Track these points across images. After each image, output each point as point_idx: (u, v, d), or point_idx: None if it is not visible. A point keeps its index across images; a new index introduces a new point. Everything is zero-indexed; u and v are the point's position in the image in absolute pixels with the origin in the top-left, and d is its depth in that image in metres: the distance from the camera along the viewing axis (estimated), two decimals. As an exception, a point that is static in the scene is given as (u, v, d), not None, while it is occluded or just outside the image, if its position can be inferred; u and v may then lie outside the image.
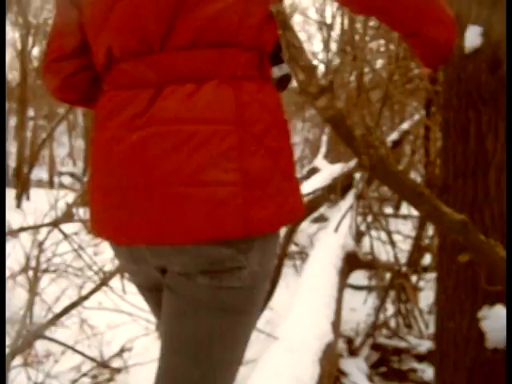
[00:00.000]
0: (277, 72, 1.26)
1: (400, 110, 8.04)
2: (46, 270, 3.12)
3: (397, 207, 7.74)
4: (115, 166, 1.14)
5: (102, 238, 1.26)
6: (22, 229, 3.12)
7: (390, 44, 5.74)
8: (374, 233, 5.36)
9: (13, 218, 4.34)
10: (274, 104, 1.17)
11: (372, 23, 6.13)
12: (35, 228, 2.99)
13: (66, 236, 2.94)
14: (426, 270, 4.74)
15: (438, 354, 1.93)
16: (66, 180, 16.44)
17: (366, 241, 5.43)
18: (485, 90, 1.74)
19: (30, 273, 3.07)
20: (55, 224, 2.86)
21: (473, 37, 1.83)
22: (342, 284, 4.08)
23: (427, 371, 3.59)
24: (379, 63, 6.71)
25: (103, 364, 2.64)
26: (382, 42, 6.44)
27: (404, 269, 4.38)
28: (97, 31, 1.19)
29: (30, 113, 15.37)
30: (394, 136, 6.60)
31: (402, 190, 0.93)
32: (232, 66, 1.11)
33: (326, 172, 6.38)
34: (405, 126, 6.99)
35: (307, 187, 5.81)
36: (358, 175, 6.00)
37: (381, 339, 4.29)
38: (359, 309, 4.77)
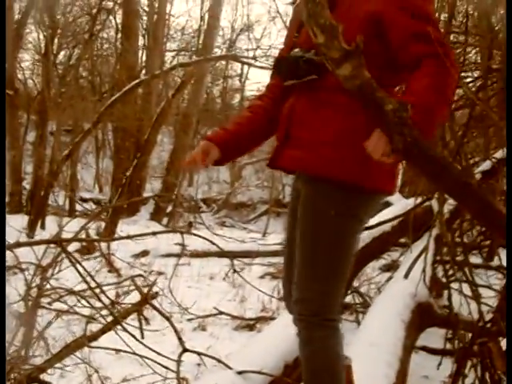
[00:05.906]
0: None
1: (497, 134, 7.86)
2: (47, 296, 3.16)
3: (488, 257, 7.52)
4: None
5: None
6: (19, 244, 3.17)
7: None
8: (454, 285, 5.22)
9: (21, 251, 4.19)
10: None
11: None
12: (34, 245, 3.03)
13: (71, 259, 2.96)
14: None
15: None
16: (90, 208, 16.56)
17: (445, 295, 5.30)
18: None
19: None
20: (57, 242, 2.89)
21: None
22: (411, 341, 3.99)
23: None
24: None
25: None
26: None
27: (489, 326, 4.22)
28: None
29: (52, 127, 15.60)
30: (485, 165, 6.48)
31: (443, 180, 0.91)
32: None
33: (398, 207, 6.25)
34: (499, 153, 6.80)
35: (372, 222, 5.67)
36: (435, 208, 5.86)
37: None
38: (433, 376, 4.64)
